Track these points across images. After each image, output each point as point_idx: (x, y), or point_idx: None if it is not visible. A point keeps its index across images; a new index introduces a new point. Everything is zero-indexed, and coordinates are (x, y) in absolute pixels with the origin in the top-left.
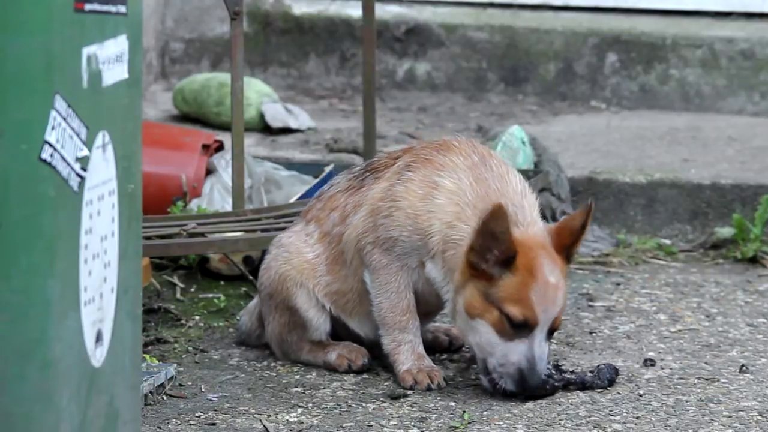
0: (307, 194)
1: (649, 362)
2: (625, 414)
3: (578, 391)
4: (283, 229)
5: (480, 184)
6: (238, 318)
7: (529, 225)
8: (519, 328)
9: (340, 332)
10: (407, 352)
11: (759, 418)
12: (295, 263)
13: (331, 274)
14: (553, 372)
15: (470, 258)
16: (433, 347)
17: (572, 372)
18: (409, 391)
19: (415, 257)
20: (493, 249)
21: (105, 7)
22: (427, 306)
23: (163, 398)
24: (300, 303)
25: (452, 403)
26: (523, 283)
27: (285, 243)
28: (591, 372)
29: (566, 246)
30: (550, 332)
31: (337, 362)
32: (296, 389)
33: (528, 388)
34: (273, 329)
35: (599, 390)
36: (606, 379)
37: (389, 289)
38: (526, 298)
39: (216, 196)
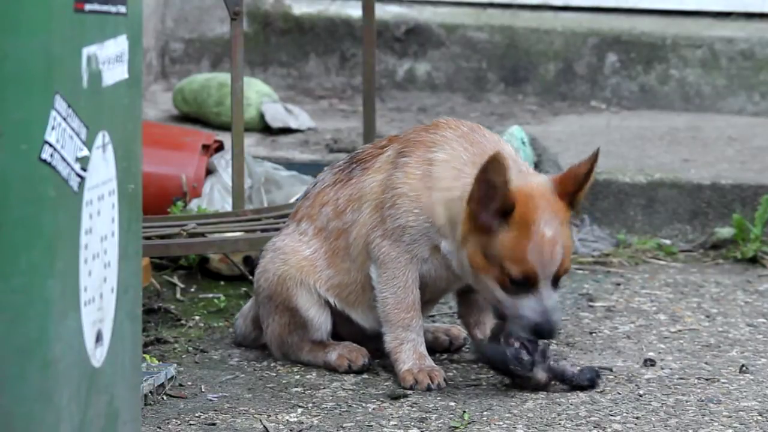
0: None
1: (649, 362)
2: (625, 414)
3: (574, 391)
4: None
5: (475, 146)
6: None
7: (530, 174)
8: (522, 285)
9: (341, 331)
10: (409, 351)
11: (759, 418)
12: (293, 262)
13: (332, 267)
14: (538, 358)
15: (470, 207)
16: (433, 347)
17: (556, 362)
18: (409, 391)
19: (425, 244)
20: (492, 199)
21: (105, 7)
22: (434, 293)
23: (163, 398)
24: (301, 303)
25: (452, 403)
26: (519, 238)
27: (279, 246)
28: (578, 369)
29: (570, 193)
30: (556, 279)
31: (337, 362)
32: (296, 389)
33: (544, 338)
34: (273, 331)
35: (599, 391)
36: (586, 378)
37: (396, 284)
38: (524, 257)
39: (216, 196)
